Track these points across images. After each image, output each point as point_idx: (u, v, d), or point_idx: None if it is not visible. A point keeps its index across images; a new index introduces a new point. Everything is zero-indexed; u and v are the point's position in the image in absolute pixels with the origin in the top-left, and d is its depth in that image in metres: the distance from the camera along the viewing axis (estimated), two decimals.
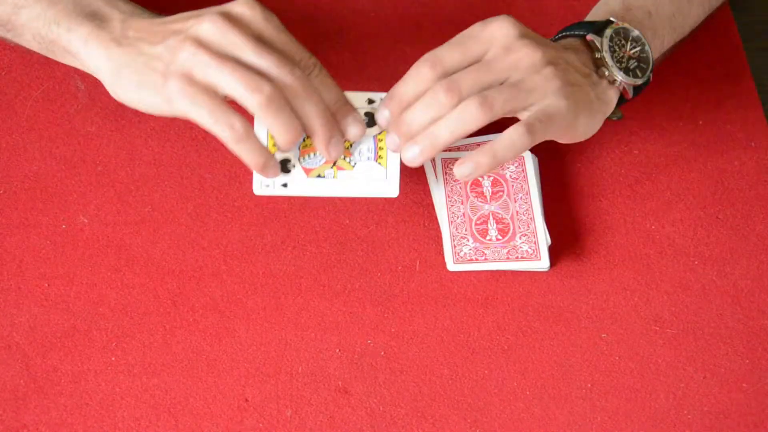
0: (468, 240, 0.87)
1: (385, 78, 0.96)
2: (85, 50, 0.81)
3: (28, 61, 0.95)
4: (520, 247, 0.87)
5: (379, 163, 0.83)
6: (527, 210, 0.88)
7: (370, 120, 0.83)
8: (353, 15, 1.00)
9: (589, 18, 0.90)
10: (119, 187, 0.90)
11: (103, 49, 0.80)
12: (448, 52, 0.80)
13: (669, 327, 0.87)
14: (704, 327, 0.87)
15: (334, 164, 0.82)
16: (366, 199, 0.91)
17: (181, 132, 0.93)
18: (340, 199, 0.91)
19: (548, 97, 0.80)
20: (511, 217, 0.88)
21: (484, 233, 0.88)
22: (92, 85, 0.93)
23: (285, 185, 0.82)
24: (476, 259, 0.87)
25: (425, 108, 0.79)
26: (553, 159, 0.92)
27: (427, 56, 0.80)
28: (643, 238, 0.90)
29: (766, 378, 0.85)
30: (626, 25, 0.86)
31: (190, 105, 0.77)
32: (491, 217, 0.88)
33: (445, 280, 0.88)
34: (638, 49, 0.86)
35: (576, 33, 0.86)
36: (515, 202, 0.89)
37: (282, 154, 0.82)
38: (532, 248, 0.87)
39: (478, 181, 0.90)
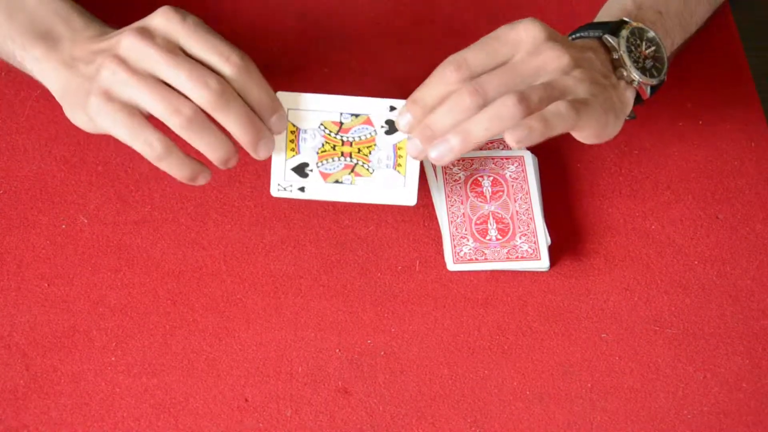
0: (468, 240, 0.87)
1: (386, 78, 0.97)
2: (38, 71, 0.83)
3: None
4: (520, 247, 0.87)
5: (398, 171, 0.83)
6: (527, 210, 0.88)
7: (391, 127, 0.83)
8: (353, 15, 1.00)
9: (600, 17, 0.89)
10: (119, 187, 0.91)
11: (52, 71, 0.82)
12: (474, 55, 0.79)
13: (669, 327, 0.87)
14: (704, 327, 0.87)
15: (353, 170, 0.83)
16: None
17: None
18: None
19: (580, 97, 0.79)
20: (511, 217, 0.88)
21: (484, 233, 0.88)
22: None
23: (302, 189, 0.83)
24: (476, 259, 0.87)
25: (450, 111, 0.78)
26: (553, 159, 0.93)
27: (452, 58, 0.79)
28: (643, 238, 0.90)
29: (766, 378, 0.85)
30: (641, 24, 0.85)
31: (110, 123, 0.78)
32: (491, 217, 0.88)
33: (445, 280, 0.88)
34: (653, 48, 0.85)
35: (591, 34, 0.85)
36: (515, 202, 0.89)
37: (300, 158, 0.82)
38: (532, 248, 0.87)
39: (478, 180, 0.90)
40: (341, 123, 0.83)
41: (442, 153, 0.79)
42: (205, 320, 0.86)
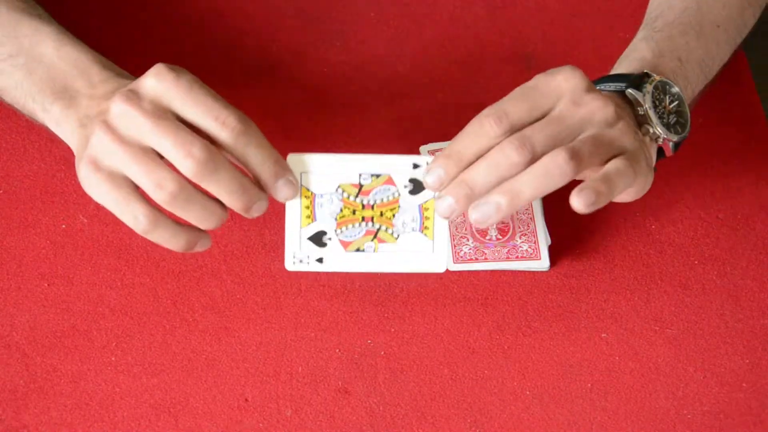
0: (468, 240, 0.87)
1: (386, 78, 0.96)
2: (58, 131, 0.79)
3: None
4: (520, 247, 0.87)
5: (425, 234, 0.77)
6: (527, 210, 0.88)
7: (416, 186, 0.76)
8: (353, 15, 1.00)
9: (618, 68, 0.85)
10: None
11: (69, 134, 0.78)
12: (514, 106, 0.74)
13: (669, 327, 0.87)
14: (704, 327, 0.87)
15: (375, 236, 0.77)
16: None
17: None
18: None
19: (624, 151, 0.76)
20: (511, 217, 0.88)
21: (483, 233, 0.88)
22: None
23: (320, 260, 0.77)
24: (476, 259, 0.87)
25: (492, 167, 0.72)
26: None
27: (491, 110, 0.73)
28: (643, 238, 0.90)
29: (766, 378, 0.85)
30: (665, 78, 0.82)
31: (96, 192, 0.74)
32: None
33: (445, 280, 0.88)
34: (676, 103, 0.82)
35: (613, 87, 0.81)
36: None
37: (317, 226, 0.77)
38: (532, 248, 0.87)
39: None
40: (361, 185, 0.77)
41: (486, 215, 0.73)
42: (205, 320, 0.86)
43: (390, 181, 0.77)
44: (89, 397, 0.82)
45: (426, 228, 0.77)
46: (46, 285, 0.86)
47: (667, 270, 0.89)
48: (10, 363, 0.83)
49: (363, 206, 0.77)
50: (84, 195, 0.89)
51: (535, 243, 0.87)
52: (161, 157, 0.73)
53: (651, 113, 0.80)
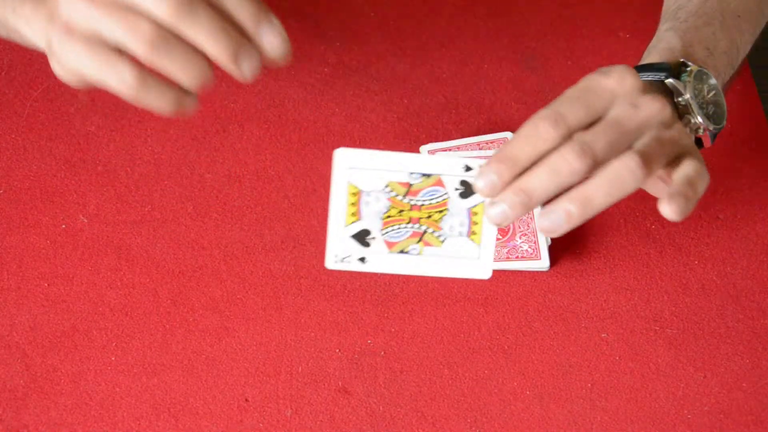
0: None
1: (386, 78, 0.96)
2: (28, 30, 0.74)
3: (28, 61, 0.95)
4: (520, 247, 0.87)
5: (472, 240, 0.74)
6: None
7: (466, 190, 0.73)
8: (353, 15, 1.00)
9: (647, 58, 0.83)
10: (119, 187, 0.91)
11: (39, 30, 0.73)
12: (570, 108, 0.70)
13: (669, 327, 0.87)
14: (704, 327, 0.87)
15: (421, 239, 0.74)
16: None
17: (181, 132, 0.93)
18: None
19: (687, 151, 0.73)
20: None
21: None
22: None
23: (363, 260, 0.74)
24: None
25: (553, 174, 0.68)
26: None
27: (546, 113, 0.69)
28: (643, 238, 0.90)
29: (766, 378, 0.85)
30: (704, 68, 0.80)
31: (75, 58, 0.68)
32: None
33: (446, 280, 0.88)
34: (714, 93, 0.80)
35: (653, 77, 0.79)
36: None
37: (361, 224, 0.74)
38: (532, 248, 0.87)
39: None
40: (410, 184, 0.73)
41: (556, 223, 0.69)
42: (205, 320, 0.86)
43: (440, 182, 0.74)
44: (89, 397, 0.82)
45: (473, 233, 0.74)
46: (46, 285, 0.86)
47: (667, 270, 0.89)
48: (10, 363, 0.83)
49: (411, 207, 0.74)
50: (84, 195, 0.90)
51: (535, 243, 0.87)
52: None
53: (693, 103, 0.78)
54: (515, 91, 0.98)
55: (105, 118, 0.93)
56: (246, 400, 0.83)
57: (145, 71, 0.68)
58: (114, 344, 0.84)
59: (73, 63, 0.69)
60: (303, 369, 0.84)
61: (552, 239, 0.88)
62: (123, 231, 0.89)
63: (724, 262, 0.89)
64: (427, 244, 0.74)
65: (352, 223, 0.74)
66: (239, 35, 0.67)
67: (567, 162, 0.68)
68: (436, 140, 0.93)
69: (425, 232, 0.74)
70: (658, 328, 0.87)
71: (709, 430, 0.83)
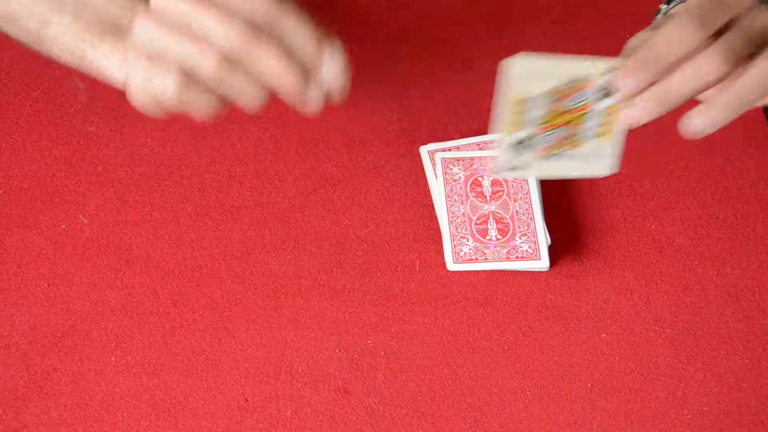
0: (468, 240, 0.87)
1: (386, 78, 0.96)
2: (107, 63, 0.75)
3: (28, 61, 0.95)
4: (520, 247, 0.87)
5: (603, 139, 0.74)
6: (527, 210, 0.88)
7: (606, 92, 0.73)
8: (353, 15, 1.00)
9: None
10: (119, 187, 0.91)
11: (118, 63, 0.74)
12: (711, 11, 0.69)
13: (669, 327, 0.87)
14: (704, 327, 0.87)
15: (566, 142, 0.74)
16: (365, 198, 0.91)
17: (181, 132, 0.93)
18: (340, 199, 0.91)
19: None
20: (511, 217, 0.88)
21: (484, 233, 0.88)
22: (92, 85, 0.93)
23: (520, 167, 0.74)
24: (476, 259, 0.87)
25: (695, 76, 0.68)
26: None
27: (692, 14, 0.69)
28: (643, 238, 0.90)
29: (766, 378, 0.85)
30: None
31: (159, 84, 0.69)
32: (491, 217, 0.88)
33: (445, 280, 0.88)
34: None
35: None
36: (515, 201, 0.89)
37: (524, 132, 0.74)
38: (532, 248, 0.87)
39: (478, 180, 0.90)
40: (565, 89, 0.73)
41: (709, 122, 0.71)
42: (205, 320, 0.86)
43: (588, 85, 0.74)
44: (89, 397, 0.82)
45: (602, 134, 0.74)
46: (46, 285, 0.86)
47: (667, 270, 0.89)
48: (10, 363, 0.83)
49: (564, 111, 0.74)
50: (84, 195, 0.90)
51: (535, 243, 0.87)
52: None
53: None
54: None
55: (105, 118, 0.93)
56: (246, 400, 0.83)
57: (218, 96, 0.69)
58: (114, 344, 0.84)
59: (158, 89, 0.70)
60: (303, 369, 0.84)
61: (551, 239, 0.88)
62: (123, 231, 0.89)
63: (724, 262, 0.89)
64: (570, 146, 0.74)
65: (517, 131, 0.73)
66: (302, 72, 0.68)
67: (714, 64, 0.68)
68: (436, 140, 0.93)
69: (571, 135, 0.74)
70: (658, 328, 0.87)
71: (709, 430, 0.83)
